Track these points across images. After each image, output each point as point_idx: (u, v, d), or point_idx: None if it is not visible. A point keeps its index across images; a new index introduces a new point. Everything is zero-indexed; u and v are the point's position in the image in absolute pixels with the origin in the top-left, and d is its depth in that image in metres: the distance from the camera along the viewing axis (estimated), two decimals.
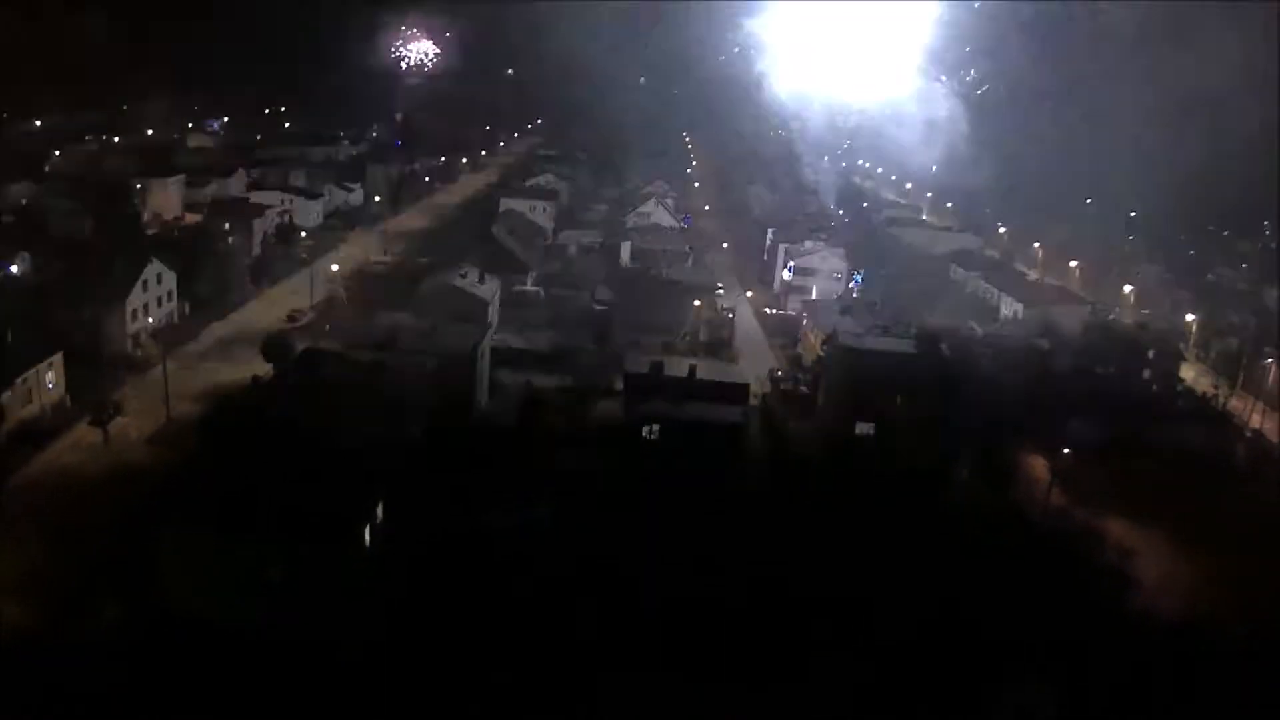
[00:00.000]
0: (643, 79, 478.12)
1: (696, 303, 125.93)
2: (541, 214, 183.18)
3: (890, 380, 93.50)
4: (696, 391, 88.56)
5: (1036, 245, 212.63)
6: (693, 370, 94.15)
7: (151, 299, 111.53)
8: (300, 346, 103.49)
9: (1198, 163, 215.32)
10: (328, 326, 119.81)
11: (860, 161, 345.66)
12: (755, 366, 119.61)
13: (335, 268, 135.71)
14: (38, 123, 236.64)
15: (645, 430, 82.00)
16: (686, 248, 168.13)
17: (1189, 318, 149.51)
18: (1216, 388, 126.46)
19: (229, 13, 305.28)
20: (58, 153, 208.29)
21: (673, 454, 79.72)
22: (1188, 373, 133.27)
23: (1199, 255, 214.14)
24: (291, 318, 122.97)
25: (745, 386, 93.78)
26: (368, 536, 65.28)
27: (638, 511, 69.46)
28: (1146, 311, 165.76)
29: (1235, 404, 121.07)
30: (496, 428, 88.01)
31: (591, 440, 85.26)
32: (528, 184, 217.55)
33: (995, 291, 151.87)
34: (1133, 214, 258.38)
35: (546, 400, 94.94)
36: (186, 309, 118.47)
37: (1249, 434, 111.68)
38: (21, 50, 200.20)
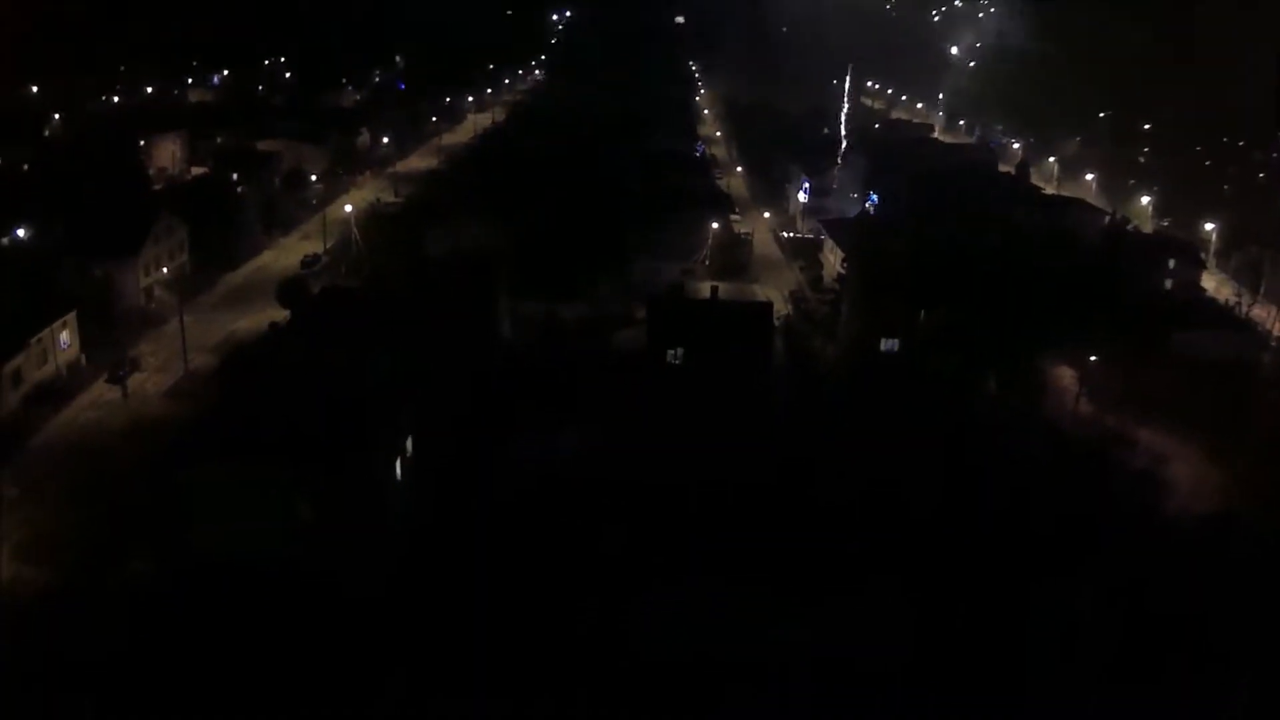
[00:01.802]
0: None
1: (715, 225, 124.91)
2: None
3: (911, 295, 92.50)
4: (720, 313, 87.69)
5: (1052, 160, 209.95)
6: (714, 291, 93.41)
7: (163, 252, 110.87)
8: (317, 288, 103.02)
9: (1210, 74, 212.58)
10: (343, 269, 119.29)
11: (869, 83, 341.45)
12: (776, 288, 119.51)
13: (349, 208, 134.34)
14: (34, 88, 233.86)
15: (670, 354, 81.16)
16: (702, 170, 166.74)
17: (1208, 227, 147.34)
18: (1239, 296, 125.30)
19: None
20: (57, 116, 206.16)
21: (699, 376, 79.03)
22: (1209, 281, 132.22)
23: (1215, 166, 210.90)
24: (306, 263, 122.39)
25: (769, 305, 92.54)
26: (399, 469, 65.44)
27: (666, 435, 69.07)
28: (1165, 222, 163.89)
29: (1258, 312, 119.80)
30: (520, 358, 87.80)
31: (616, 367, 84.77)
32: None
33: (1011, 203, 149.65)
34: (1146, 127, 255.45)
35: (568, 329, 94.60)
36: (199, 261, 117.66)
37: (1273, 342, 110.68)
38: (15, 16, 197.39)
